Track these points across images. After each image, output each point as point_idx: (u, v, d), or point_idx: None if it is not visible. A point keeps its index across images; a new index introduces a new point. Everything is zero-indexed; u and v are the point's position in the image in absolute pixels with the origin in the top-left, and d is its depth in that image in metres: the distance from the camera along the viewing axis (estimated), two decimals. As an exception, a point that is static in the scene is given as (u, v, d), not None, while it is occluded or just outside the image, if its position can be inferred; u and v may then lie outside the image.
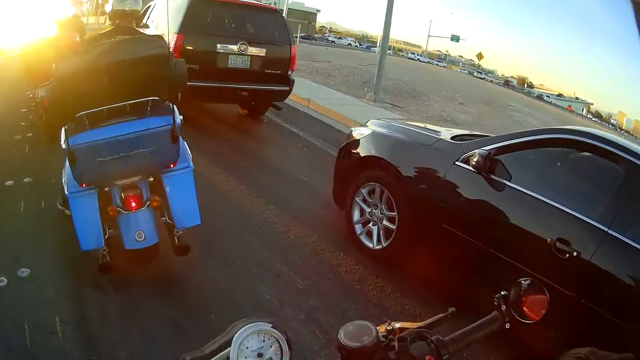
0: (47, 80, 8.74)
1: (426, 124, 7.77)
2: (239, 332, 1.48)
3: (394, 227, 6.32)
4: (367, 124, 7.52)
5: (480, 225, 5.56)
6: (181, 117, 5.17)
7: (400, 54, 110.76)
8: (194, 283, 5.48)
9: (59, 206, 6.32)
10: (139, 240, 5.02)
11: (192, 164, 5.48)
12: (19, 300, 4.85)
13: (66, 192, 5.12)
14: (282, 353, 1.50)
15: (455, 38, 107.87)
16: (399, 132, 6.95)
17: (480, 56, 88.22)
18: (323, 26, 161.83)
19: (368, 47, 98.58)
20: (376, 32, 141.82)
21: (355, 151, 7.23)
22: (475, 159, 5.54)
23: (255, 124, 14.33)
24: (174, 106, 5.17)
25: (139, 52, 5.20)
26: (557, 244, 4.65)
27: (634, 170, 4.81)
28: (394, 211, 6.37)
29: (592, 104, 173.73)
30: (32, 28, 12.72)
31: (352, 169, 7.24)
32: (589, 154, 5.32)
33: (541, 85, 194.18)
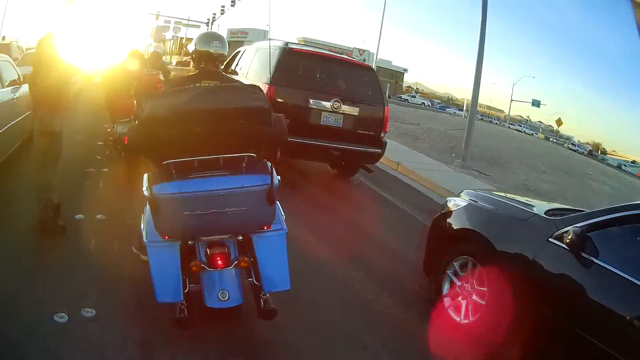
0: (126, 115, 8.77)
1: (519, 197, 7.69)
2: None
3: (483, 303, 6.15)
4: (461, 195, 7.47)
5: (569, 304, 5.34)
6: (279, 177, 4.98)
7: (505, 124, 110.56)
8: (275, 349, 5.34)
9: (134, 250, 6.18)
10: (222, 299, 4.83)
11: (285, 227, 5.26)
12: (79, 340, 4.78)
13: (145, 239, 4.97)
14: None
15: (536, 103, 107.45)
16: (493, 204, 6.90)
17: (559, 122, 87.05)
18: (410, 86, 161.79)
19: (442, 107, 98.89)
20: (462, 94, 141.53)
21: (449, 222, 7.14)
22: (569, 237, 5.36)
23: (345, 185, 14.10)
24: (272, 165, 5.03)
25: (237, 102, 4.97)
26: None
27: None
28: (484, 286, 6.21)
29: None
30: (112, 53, 12.82)
31: (445, 240, 7.12)
32: None
33: (614, 151, 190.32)
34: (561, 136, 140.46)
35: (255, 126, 4.97)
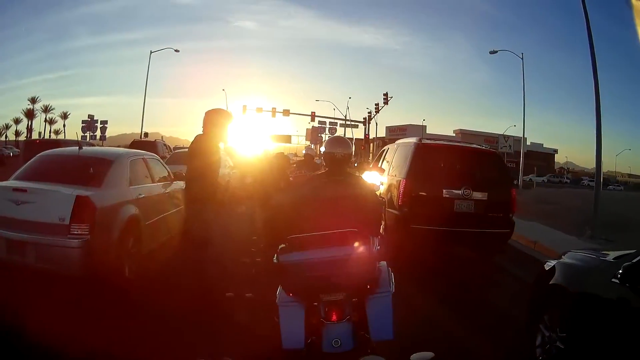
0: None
1: (615, 251, 7.26)
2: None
3: (563, 347, 6.61)
4: (563, 256, 7.72)
5: (634, 340, 5.48)
6: (379, 246, 5.75)
7: None
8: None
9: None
10: (335, 346, 5.50)
11: (392, 289, 5.94)
12: None
13: (277, 300, 5.81)
14: None
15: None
16: (576, 259, 7.32)
17: None
18: (562, 167, 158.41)
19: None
20: (606, 167, 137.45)
21: (543, 281, 7.61)
22: (620, 272, 5.79)
23: (480, 265, 14.40)
24: (374, 237, 5.77)
25: (341, 192, 6.25)
26: None
27: None
28: (565, 332, 6.66)
29: None
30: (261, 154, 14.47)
31: (539, 297, 7.71)
32: None
33: None
34: None
35: (354, 209, 6.18)
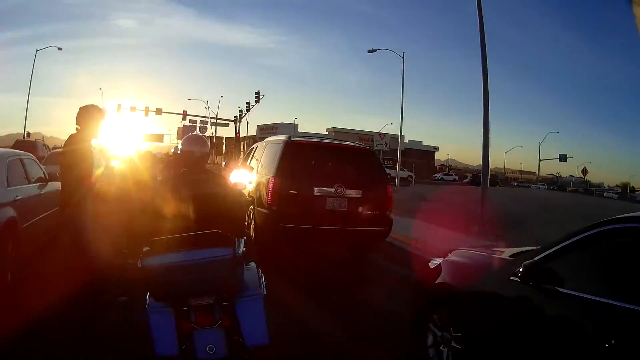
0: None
1: (506, 249, 7.53)
2: None
3: (460, 347, 6.46)
4: (449, 255, 7.68)
5: (535, 337, 5.39)
6: (244, 247, 5.80)
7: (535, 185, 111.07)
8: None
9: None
10: (209, 352, 5.51)
11: (263, 292, 5.88)
12: None
13: (147, 306, 5.64)
14: None
15: (562, 157, 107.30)
16: (465, 257, 7.31)
17: (585, 172, 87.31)
18: (443, 164, 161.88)
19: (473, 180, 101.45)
20: (494, 164, 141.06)
21: (428, 280, 7.49)
22: (520, 270, 5.66)
23: (357, 263, 14.41)
24: (238, 239, 5.79)
25: (212, 189, 6.11)
26: (612, 341, 4.46)
27: None
28: (459, 332, 6.52)
29: None
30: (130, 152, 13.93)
31: (425, 296, 7.57)
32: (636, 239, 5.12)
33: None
34: (592, 184, 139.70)
35: (217, 208, 5.96)
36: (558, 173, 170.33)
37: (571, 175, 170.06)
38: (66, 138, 8.58)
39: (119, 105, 79.80)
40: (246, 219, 6.70)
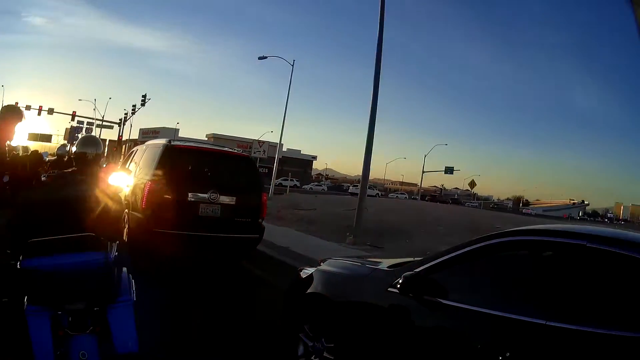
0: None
1: (383, 259, 7.63)
2: None
3: (333, 358, 6.39)
4: (322, 264, 7.60)
5: (416, 348, 5.49)
6: (116, 253, 5.75)
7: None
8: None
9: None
10: (82, 359, 5.33)
11: (133, 297, 5.84)
12: None
13: (25, 309, 5.46)
14: None
15: (449, 170, 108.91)
16: (339, 267, 7.18)
17: (472, 184, 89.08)
18: (320, 173, 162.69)
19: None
20: (374, 175, 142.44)
21: (300, 289, 7.39)
22: (399, 282, 5.63)
23: (229, 271, 14.25)
24: (111, 242, 5.78)
25: (88, 191, 5.84)
26: (499, 351, 4.56)
27: (560, 252, 4.97)
28: (332, 343, 6.46)
29: (588, 204, 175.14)
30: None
31: (296, 306, 7.43)
32: (519, 252, 5.46)
33: (537, 200, 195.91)
34: (479, 197, 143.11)
35: (92, 210, 5.74)
36: (442, 185, 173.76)
37: (457, 188, 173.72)
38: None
39: (16, 103, 78.56)
40: (122, 223, 6.39)
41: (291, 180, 73.97)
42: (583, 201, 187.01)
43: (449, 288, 5.39)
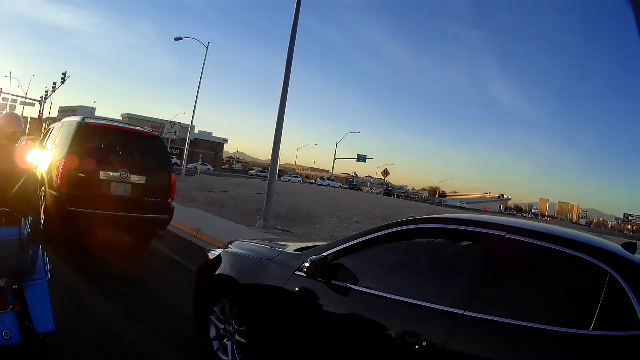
0: None
1: (286, 242, 7.82)
2: None
3: (244, 341, 6.40)
4: (229, 246, 7.63)
5: (325, 332, 5.47)
6: (29, 229, 5.59)
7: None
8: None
9: None
10: (5, 338, 5.28)
11: (48, 275, 5.86)
12: None
13: None
14: None
15: (361, 158, 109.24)
16: (247, 249, 7.18)
17: (385, 173, 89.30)
18: (231, 156, 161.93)
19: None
20: (285, 160, 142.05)
21: (207, 271, 7.45)
22: (306, 265, 5.69)
23: (139, 251, 14.24)
24: (24, 219, 5.62)
25: (2, 165, 5.77)
26: (405, 337, 4.65)
27: (483, 243, 4.98)
28: (243, 325, 6.47)
29: (510, 199, 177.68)
30: None
31: (205, 288, 7.45)
32: (437, 240, 5.53)
33: (454, 192, 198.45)
34: (393, 186, 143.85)
35: (4, 186, 5.65)
36: (354, 172, 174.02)
37: (369, 176, 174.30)
38: None
39: None
40: (37, 200, 6.42)
41: (203, 164, 73.52)
42: (503, 195, 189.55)
43: (357, 273, 5.44)
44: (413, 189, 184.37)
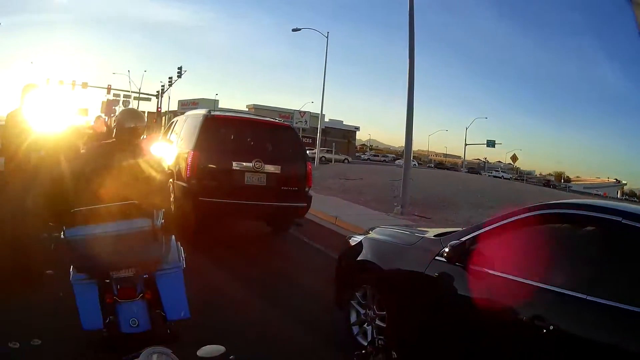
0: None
1: (428, 228, 7.85)
2: (146, 350, 1.80)
3: (384, 325, 6.44)
4: (370, 232, 7.66)
5: (462, 317, 5.50)
6: (162, 220, 5.67)
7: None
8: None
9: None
10: (132, 326, 5.50)
11: (183, 264, 5.96)
12: None
13: (71, 278, 5.62)
14: None
15: (490, 143, 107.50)
16: (388, 236, 7.20)
17: (514, 158, 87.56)
18: (364, 144, 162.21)
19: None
20: (418, 147, 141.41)
21: (349, 257, 7.51)
22: (445, 250, 5.70)
23: (278, 240, 14.46)
24: (156, 210, 5.69)
25: (131, 160, 5.85)
26: (535, 321, 4.63)
27: (607, 229, 4.85)
28: (383, 310, 6.51)
29: (626, 184, 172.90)
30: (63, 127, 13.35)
31: (347, 273, 7.50)
32: (562, 225, 5.39)
33: (577, 177, 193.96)
34: (522, 172, 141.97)
35: (136, 179, 5.74)
36: (485, 158, 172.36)
37: (499, 161, 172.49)
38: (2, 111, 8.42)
39: (48, 80, 78.95)
40: (167, 191, 7.20)
41: (337, 154, 73.53)
42: (620, 181, 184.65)
43: (492, 258, 5.42)
44: (540, 174, 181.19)
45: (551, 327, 4.50)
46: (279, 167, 12.90)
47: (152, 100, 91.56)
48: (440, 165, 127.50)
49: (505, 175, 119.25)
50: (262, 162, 12.61)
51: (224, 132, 13.40)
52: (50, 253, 8.66)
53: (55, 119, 8.98)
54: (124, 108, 6.15)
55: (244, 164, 12.52)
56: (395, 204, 20.30)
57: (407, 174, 20.98)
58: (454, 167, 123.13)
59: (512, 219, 5.52)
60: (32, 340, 5.94)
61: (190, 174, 12.32)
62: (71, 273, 5.67)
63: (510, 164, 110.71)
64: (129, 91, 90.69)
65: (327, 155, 69.72)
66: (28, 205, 7.96)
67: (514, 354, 4.97)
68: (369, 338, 6.60)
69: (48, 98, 8.65)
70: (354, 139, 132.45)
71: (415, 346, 6.16)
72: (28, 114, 8.26)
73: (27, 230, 8.24)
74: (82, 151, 9.30)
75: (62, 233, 5.37)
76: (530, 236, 5.51)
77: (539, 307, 4.75)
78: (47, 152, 12.15)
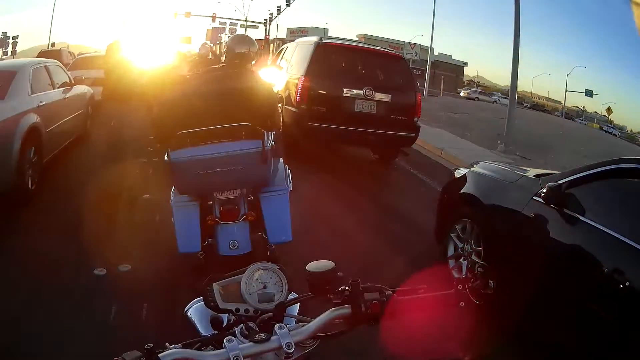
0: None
1: (525, 167, 7.69)
2: (253, 265, 2.11)
3: (479, 261, 6.34)
4: (474, 166, 7.65)
5: (551, 260, 5.42)
6: (274, 142, 5.93)
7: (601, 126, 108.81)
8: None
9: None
10: (232, 248, 5.61)
11: (289, 187, 6.02)
12: (114, 288, 5.70)
13: (171, 201, 5.78)
14: (282, 289, 2.06)
15: (589, 93, 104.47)
16: (491, 171, 7.13)
17: (609, 111, 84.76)
18: (471, 80, 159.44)
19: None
20: (522, 88, 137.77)
21: (452, 190, 7.56)
22: (544, 191, 5.58)
23: (384, 168, 14.54)
24: (267, 132, 5.84)
25: (233, 84, 5.97)
26: (614, 275, 4.48)
27: None
28: (480, 246, 6.45)
29: None
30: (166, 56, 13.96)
31: (449, 206, 7.52)
32: None
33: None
34: (615, 126, 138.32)
35: (247, 102, 5.81)
36: (583, 107, 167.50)
37: (595, 112, 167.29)
38: (89, 46, 8.92)
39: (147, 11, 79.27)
40: (278, 115, 6.82)
41: (474, 90, 71.93)
42: None
43: (587, 205, 5.31)
44: (631, 130, 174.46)
45: (627, 284, 4.40)
46: (389, 95, 13.00)
47: (259, 28, 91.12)
48: (535, 107, 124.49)
49: (614, 131, 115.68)
50: (373, 90, 12.74)
51: (335, 59, 13.58)
52: (148, 178, 9.21)
53: (156, 48, 9.44)
54: (230, 35, 6.34)
55: (355, 91, 12.67)
56: (499, 142, 20.31)
57: (512, 114, 20.98)
58: (547, 110, 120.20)
59: (607, 167, 5.35)
60: (122, 266, 6.17)
61: (300, 99, 12.63)
62: (172, 196, 5.80)
63: (605, 115, 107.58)
64: (235, 19, 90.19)
65: (480, 97, 68.37)
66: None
67: (595, 302, 4.83)
68: (463, 273, 6.55)
69: (147, 28, 8.84)
70: (462, 74, 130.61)
71: (507, 286, 5.92)
72: (126, 45, 8.57)
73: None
74: (186, 77, 9.83)
75: (167, 156, 5.47)
76: (615, 187, 5.43)
77: (616, 261, 4.66)
78: (149, 79, 12.83)
